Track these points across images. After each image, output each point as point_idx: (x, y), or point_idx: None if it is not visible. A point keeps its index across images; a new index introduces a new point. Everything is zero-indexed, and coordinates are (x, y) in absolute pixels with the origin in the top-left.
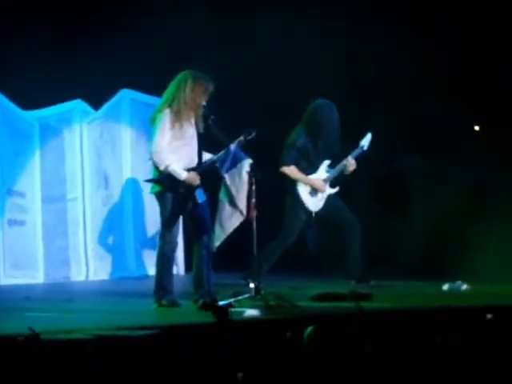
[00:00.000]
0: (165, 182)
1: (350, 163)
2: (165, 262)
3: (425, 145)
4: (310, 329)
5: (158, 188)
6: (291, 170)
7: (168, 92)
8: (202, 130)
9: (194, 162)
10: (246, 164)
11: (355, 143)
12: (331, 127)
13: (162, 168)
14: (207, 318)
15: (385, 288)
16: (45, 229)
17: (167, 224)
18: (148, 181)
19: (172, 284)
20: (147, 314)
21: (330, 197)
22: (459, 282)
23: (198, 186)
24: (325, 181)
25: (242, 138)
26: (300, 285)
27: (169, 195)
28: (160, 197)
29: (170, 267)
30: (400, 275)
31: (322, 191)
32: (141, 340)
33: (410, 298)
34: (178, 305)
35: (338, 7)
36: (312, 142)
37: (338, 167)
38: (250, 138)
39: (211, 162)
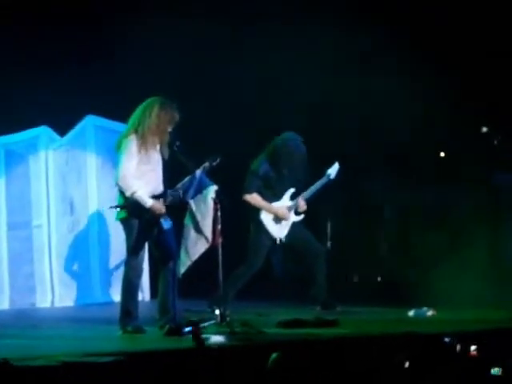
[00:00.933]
0: (130, 208)
1: (300, 204)
2: (130, 288)
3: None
4: (274, 355)
5: (123, 214)
6: (254, 198)
7: (134, 117)
8: (166, 157)
9: (160, 187)
10: (212, 190)
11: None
12: (296, 159)
13: (128, 194)
14: (172, 343)
15: (350, 314)
16: (10, 255)
17: (133, 250)
18: (113, 207)
19: (137, 310)
20: (113, 340)
21: (294, 224)
22: (425, 308)
23: (163, 214)
24: (289, 208)
25: (207, 163)
26: (266, 311)
27: (134, 221)
28: (125, 223)
29: (136, 293)
30: (364, 301)
31: (286, 219)
32: (106, 366)
33: (375, 324)
34: (143, 331)
35: None
36: (275, 170)
37: (306, 193)
38: (214, 164)
39: (177, 191)
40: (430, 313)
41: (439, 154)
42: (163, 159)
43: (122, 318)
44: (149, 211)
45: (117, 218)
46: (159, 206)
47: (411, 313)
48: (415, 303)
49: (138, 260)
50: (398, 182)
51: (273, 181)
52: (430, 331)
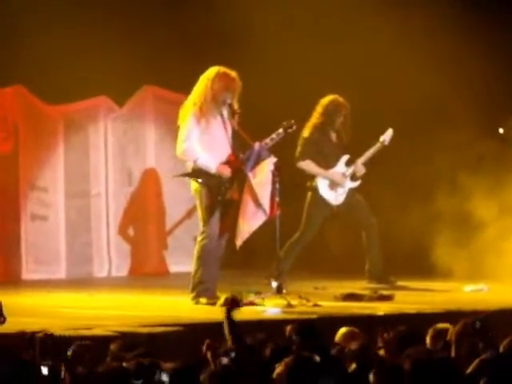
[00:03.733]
0: (196, 176)
1: (359, 168)
2: (206, 257)
3: None
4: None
5: (194, 185)
6: (308, 165)
7: (194, 89)
8: (235, 127)
9: (226, 157)
10: (270, 162)
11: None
12: (344, 123)
13: (191, 163)
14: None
15: (407, 289)
16: (67, 224)
17: (206, 219)
18: (178, 175)
19: (212, 281)
20: (170, 310)
21: (350, 192)
22: (481, 285)
23: (231, 180)
24: (344, 174)
25: (280, 130)
26: (323, 284)
27: (203, 189)
28: (196, 193)
29: (212, 263)
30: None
31: (342, 185)
32: (164, 336)
33: (432, 299)
34: (215, 303)
35: None
36: (325, 135)
37: (362, 158)
38: (290, 130)
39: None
40: (486, 289)
41: None
42: (233, 129)
43: (195, 287)
44: (215, 176)
45: (192, 192)
46: (225, 168)
47: (468, 288)
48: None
49: (213, 228)
50: None
51: (325, 147)
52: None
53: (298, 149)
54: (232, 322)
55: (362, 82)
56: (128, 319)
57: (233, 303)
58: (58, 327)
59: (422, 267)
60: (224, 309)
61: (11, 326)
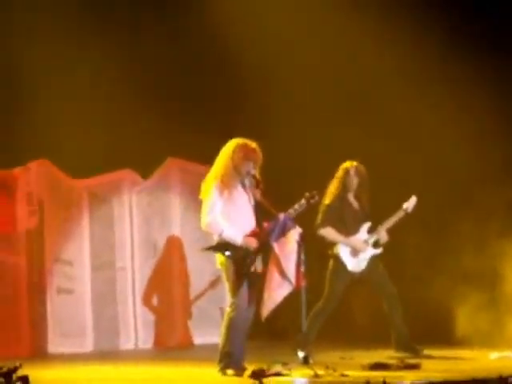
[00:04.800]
0: (223, 249)
1: (382, 235)
2: (234, 328)
3: None
4: None
5: (221, 259)
6: (329, 232)
7: (216, 162)
8: (258, 198)
9: (250, 228)
10: (296, 233)
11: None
12: (362, 187)
13: (216, 237)
14: None
15: (433, 357)
16: (94, 297)
17: (234, 290)
18: (206, 249)
19: (241, 353)
20: (195, 382)
21: (372, 259)
22: (507, 352)
23: (256, 252)
24: (366, 242)
25: (303, 201)
26: (349, 353)
27: (230, 263)
28: (223, 266)
29: (241, 335)
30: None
31: (364, 251)
32: None
33: (459, 367)
34: (243, 375)
35: None
36: (346, 202)
37: (384, 225)
38: (312, 201)
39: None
40: None
41: None
42: (255, 201)
43: (223, 358)
44: (241, 248)
45: (218, 265)
46: (252, 242)
47: (494, 355)
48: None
49: (242, 299)
50: None
51: (346, 214)
52: None
53: (319, 216)
54: None
55: (384, 149)
56: None
57: (259, 375)
58: None
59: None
60: (251, 381)
61: None
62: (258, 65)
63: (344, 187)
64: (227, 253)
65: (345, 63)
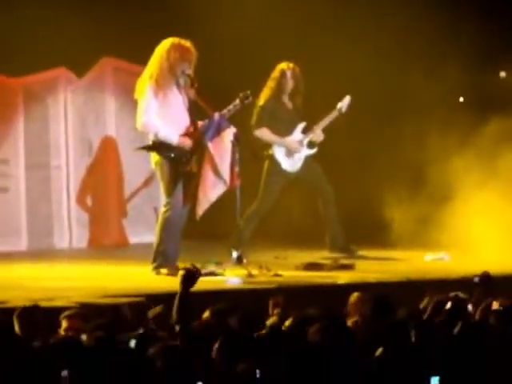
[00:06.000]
0: (158, 148)
1: (317, 133)
2: (169, 227)
3: None
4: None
5: (155, 158)
6: (264, 133)
7: (150, 61)
8: (192, 97)
9: (185, 128)
10: (230, 132)
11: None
12: (297, 89)
13: (152, 136)
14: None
15: (368, 258)
16: (28, 196)
17: (169, 190)
18: (141, 148)
19: (175, 251)
20: (131, 280)
21: (307, 160)
22: (442, 253)
23: (191, 151)
24: (301, 142)
25: (237, 101)
26: (284, 253)
27: (165, 161)
28: (158, 166)
29: (176, 234)
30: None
31: (298, 151)
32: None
33: (394, 268)
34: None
35: None
36: (280, 103)
37: (319, 125)
38: (247, 101)
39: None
40: (447, 258)
41: None
42: (189, 100)
43: (157, 258)
44: (177, 147)
45: (153, 165)
46: (187, 142)
47: (428, 257)
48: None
49: (176, 199)
50: None
51: (280, 114)
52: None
53: (254, 117)
54: (185, 295)
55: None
56: (89, 290)
57: (190, 274)
58: (19, 299)
59: (383, 235)
60: (180, 279)
61: None
62: None
63: (279, 89)
64: (163, 152)
65: None
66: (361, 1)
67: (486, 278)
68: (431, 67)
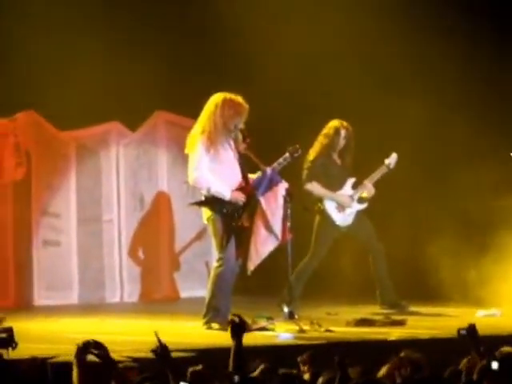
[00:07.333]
0: (210, 204)
1: (368, 187)
2: (220, 283)
3: None
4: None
5: (208, 213)
6: (315, 187)
7: (201, 116)
8: (242, 151)
9: (237, 183)
10: (282, 187)
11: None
12: (348, 147)
13: (204, 192)
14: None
15: (419, 314)
16: (80, 250)
17: (222, 245)
18: (192, 204)
19: (226, 307)
20: (182, 335)
21: (358, 215)
22: (494, 309)
23: (244, 206)
24: (352, 197)
25: (287, 155)
26: (335, 309)
27: (217, 217)
28: (210, 221)
29: (227, 289)
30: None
31: (350, 206)
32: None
33: (445, 324)
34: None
35: None
36: (330, 158)
37: (369, 180)
38: (296, 155)
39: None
40: (498, 314)
41: None
42: (240, 155)
43: (208, 312)
44: (229, 203)
45: (205, 220)
46: (240, 196)
47: (480, 313)
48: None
49: (229, 254)
50: None
51: (331, 169)
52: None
53: (305, 172)
54: (239, 345)
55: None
56: (140, 344)
57: (240, 325)
58: (68, 353)
59: (434, 291)
60: (230, 331)
61: (22, 351)
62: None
63: (331, 146)
64: (215, 208)
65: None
66: (413, 57)
67: (473, 331)
68: (484, 121)
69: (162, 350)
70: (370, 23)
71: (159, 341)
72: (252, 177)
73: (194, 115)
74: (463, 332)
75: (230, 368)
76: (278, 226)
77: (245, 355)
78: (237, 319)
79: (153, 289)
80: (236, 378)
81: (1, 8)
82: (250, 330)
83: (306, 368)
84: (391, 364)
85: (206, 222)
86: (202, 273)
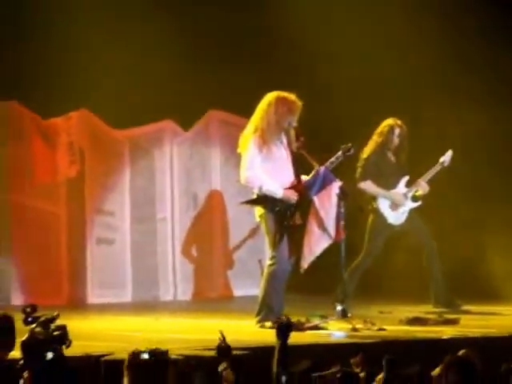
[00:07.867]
0: (262, 202)
1: (422, 186)
2: (274, 282)
3: None
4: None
5: (260, 212)
6: (368, 185)
7: (254, 115)
8: (295, 149)
9: (289, 182)
10: (336, 186)
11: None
12: (402, 146)
13: (256, 190)
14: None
15: (472, 313)
16: (133, 248)
17: (274, 244)
18: (245, 202)
19: (280, 306)
20: (236, 334)
21: (412, 213)
22: None
23: (296, 205)
24: (405, 195)
25: (340, 153)
26: (388, 308)
27: (270, 215)
28: (263, 219)
29: (280, 288)
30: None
31: (403, 205)
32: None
33: (498, 323)
34: None
35: None
36: (384, 157)
37: (423, 178)
38: (348, 154)
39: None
40: None
41: None
42: (292, 153)
43: (261, 311)
44: (281, 201)
45: (257, 218)
46: (292, 195)
47: None
48: None
49: (282, 252)
50: None
51: (384, 168)
52: None
53: (358, 170)
54: (284, 345)
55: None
56: (193, 343)
57: (287, 326)
58: (122, 351)
59: (488, 290)
60: (276, 330)
61: (76, 349)
62: (294, 19)
63: (385, 144)
64: (267, 206)
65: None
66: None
67: None
68: None
69: (225, 348)
70: (432, 24)
71: (224, 339)
72: (306, 177)
73: (248, 114)
74: None
75: (275, 368)
76: (331, 225)
77: (292, 354)
78: (284, 319)
79: (206, 287)
80: (284, 378)
81: (62, 12)
82: (303, 328)
83: (359, 370)
84: (445, 363)
85: (258, 220)
86: (255, 271)
